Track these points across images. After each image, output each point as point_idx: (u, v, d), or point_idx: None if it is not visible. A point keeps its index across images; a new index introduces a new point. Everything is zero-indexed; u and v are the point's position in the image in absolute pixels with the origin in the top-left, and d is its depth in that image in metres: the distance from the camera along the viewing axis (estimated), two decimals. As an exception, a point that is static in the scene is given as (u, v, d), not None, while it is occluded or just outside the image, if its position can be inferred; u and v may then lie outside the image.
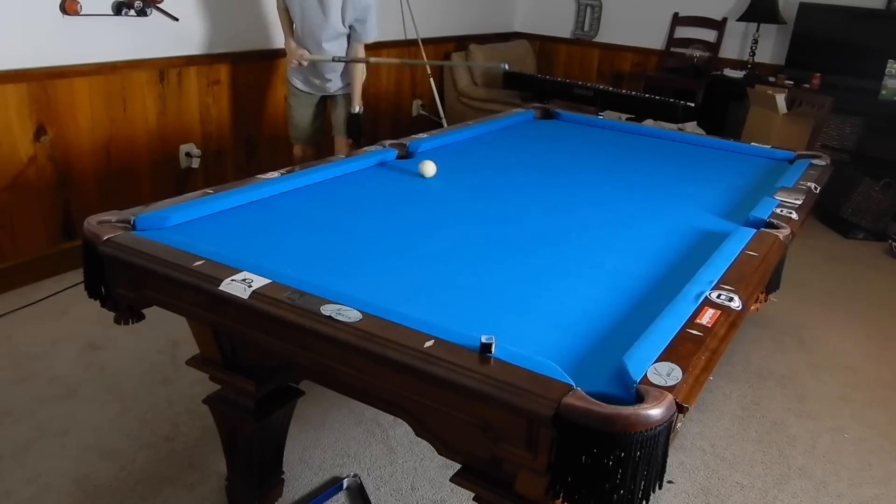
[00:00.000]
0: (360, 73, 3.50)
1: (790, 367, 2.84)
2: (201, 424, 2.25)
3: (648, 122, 4.19)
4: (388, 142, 2.55)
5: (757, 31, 5.08)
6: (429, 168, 2.29)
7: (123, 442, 2.17)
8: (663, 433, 1.04)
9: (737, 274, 1.59)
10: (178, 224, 1.73)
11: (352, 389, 1.49)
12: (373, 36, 3.40)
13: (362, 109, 3.57)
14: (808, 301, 3.43)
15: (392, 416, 1.70)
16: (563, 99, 4.85)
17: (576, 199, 2.20)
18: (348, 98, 3.55)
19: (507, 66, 3.73)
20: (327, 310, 1.28)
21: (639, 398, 1.07)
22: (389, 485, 2.06)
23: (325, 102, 3.64)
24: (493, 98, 5.07)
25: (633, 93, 4.83)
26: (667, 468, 1.11)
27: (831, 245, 4.25)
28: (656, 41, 5.61)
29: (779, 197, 2.21)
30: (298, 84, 3.54)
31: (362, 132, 3.61)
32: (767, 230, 1.91)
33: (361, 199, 2.07)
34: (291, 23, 3.40)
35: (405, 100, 5.11)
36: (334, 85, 3.53)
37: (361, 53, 3.42)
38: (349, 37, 3.39)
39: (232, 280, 1.38)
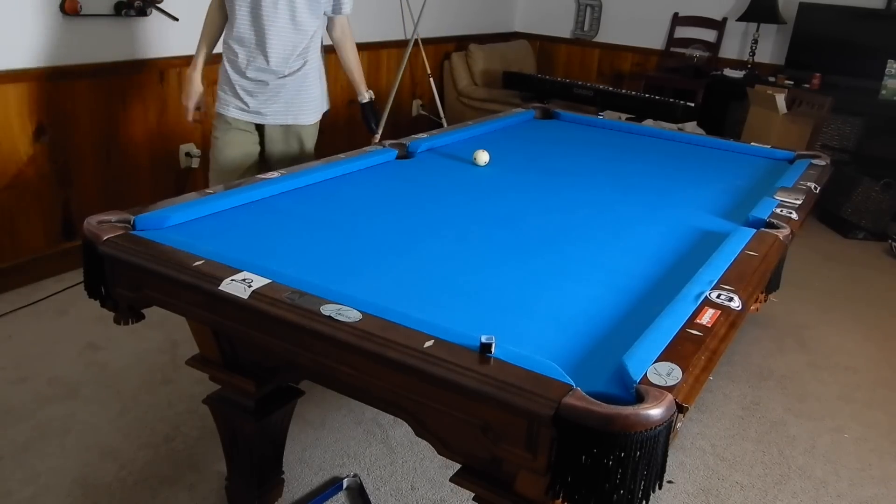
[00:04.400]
0: (353, 53, 2.74)
1: (790, 367, 2.84)
2: (201, 424, 2.25)
3: (648, 122, 4.19)
4: (388, 142, 2.55)
5: (757, 31, 5.08)
6: (482, 157, 2.43)
7: (123, 442, 2.17)
8: (663, 433, 1.04)
9: (737, 274, 1.59)
10: (178, 224, 1.73)
11: (352, 389, 1.49)
12: (352, 4, 2.65)
13: (372, 96, 2.86)
14: (808, 301, 3.43)
15: (392, 416, 1.70)
16: (563, 99, 4.86)
17: (576, 200, 2.20)
18: (311, 134, 2.69)
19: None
20: (327, 310, 1.28)
21: (639, 398, 1.07)
22: (389, 485, 2.06)
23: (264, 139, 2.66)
24: (493, 98, 5.08)
25: (633, 93, 4.84)
26: (667, 468, 1.11)
27: (831, 245, 4.25)
28: (656, 41, 5.61)
29: (779, 197, 2.21)
30: (232, 111, 2.56)
31: (379, 119, 2.90)
32: (767, 230, 1.91)
33: (361, 200, 2.07)
34: (214, 35, 2.60)
35: (405, 100, 5.11)
36: (290, 109, 2.57)
37: (348, 30, 2.71)
38: (308, 39, 2.54)
39: (232, 280, 1.38)
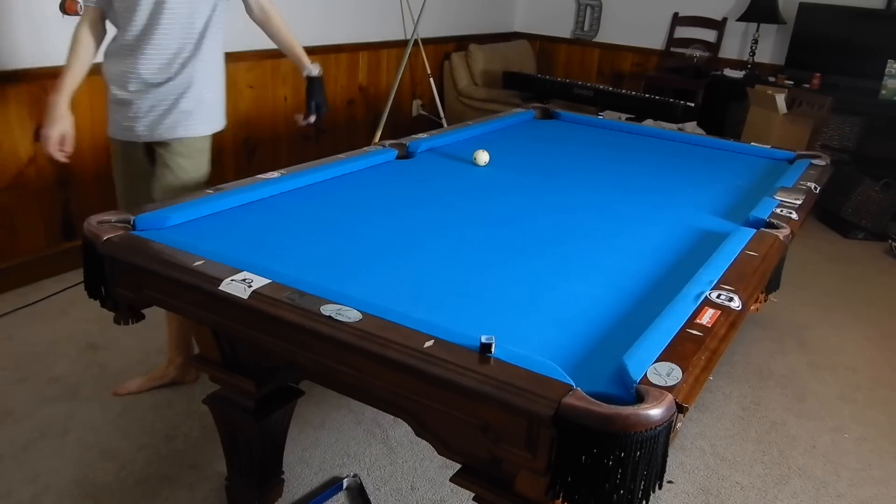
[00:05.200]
0: (283, 29, 2.32)
1: (790, 367, 2.84)
2: (201, 424, 2.25)
3: (648, 122, 4.19)
4: (388, 142, 2.55)
5: (757, 31, 5.08)
6: (482, 157, 2.45)
7: (123, 442, 2.17)
8: (663, 433, 1.04)
9: (737, 274, 1.59)
10: (178, 224, 1.73)
11: (352, 389, 1.49)
12: None
13: (321, 70, 2.37)
14: (808, 301, 3.43)
15: (392, 416, 1.70)
16: (563, 99, 4.86)
17: (576, 200, 2.20)
18: (200, 149, 2.20)
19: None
20: (327, 310, 1.28)
21: (639, 398, 1.07)
22: (389, 485, 2.06)
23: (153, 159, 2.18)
24: (493, 98, 5.07)
25: (633, 93, 4.84)
26: (667, 468, 1.11)
27: (831, 245, 4.25)
28: (656, 41, 5.61)
29: (779, 197, 2.21)
30: (117, 132, 2.16)
31: (324, 100, 2.39)
32: (767, 230, 1.91)
33: (361, 200, 2.07)
34: (88, 54, 2.08)
35: (405, 100, 5.11)
36: (176, 122, 2.11)
37: (269, 5, 2.28)
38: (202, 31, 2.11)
39: (232, 280, 1.38)
